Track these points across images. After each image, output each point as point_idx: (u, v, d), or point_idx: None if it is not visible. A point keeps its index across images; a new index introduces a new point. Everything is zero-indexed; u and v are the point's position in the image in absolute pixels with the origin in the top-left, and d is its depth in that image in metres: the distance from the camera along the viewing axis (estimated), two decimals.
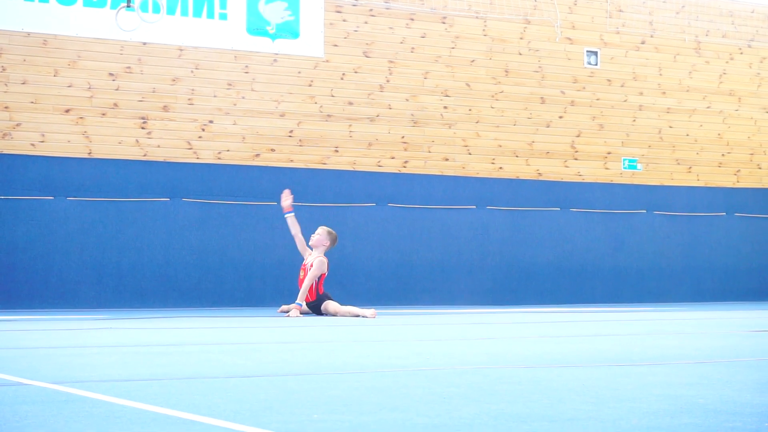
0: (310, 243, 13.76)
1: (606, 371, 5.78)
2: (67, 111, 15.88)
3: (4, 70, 15.58)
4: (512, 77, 18.70)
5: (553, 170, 18.94)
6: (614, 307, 17.36)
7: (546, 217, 18.73)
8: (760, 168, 20.62)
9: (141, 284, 15.97)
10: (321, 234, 13.73)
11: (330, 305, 13.33)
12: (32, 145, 15.65)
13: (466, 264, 18.04)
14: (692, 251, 19.82)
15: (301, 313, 13.21)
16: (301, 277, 13.52)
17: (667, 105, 19.90)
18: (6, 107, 15.55)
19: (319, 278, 13.43)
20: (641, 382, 5.21)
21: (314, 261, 13.44)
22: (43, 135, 15.71)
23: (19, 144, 15.59)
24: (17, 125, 15.59)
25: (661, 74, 19.88)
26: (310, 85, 17.31)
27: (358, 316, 12.98)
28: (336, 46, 17.51)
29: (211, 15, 16.74)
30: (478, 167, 18.37)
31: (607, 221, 19.18)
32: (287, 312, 13.67)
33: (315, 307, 13.46)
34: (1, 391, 4.72)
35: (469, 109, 18.35)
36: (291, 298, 14.29)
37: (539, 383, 5.09)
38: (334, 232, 13.88)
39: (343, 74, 17.54)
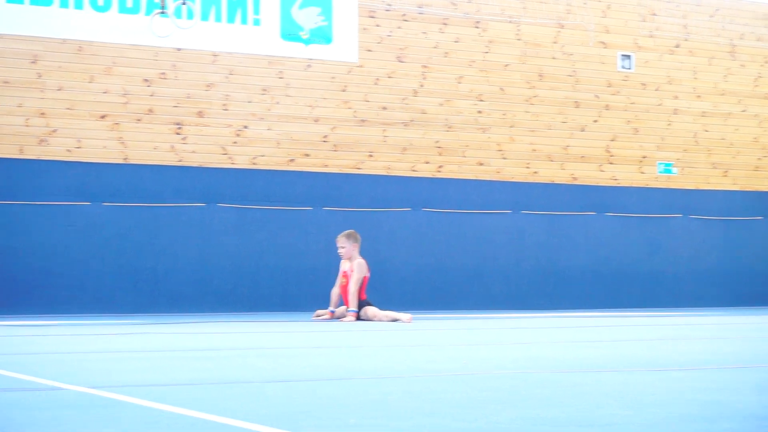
0: (342, 258, 13.64)
1: (643, 376, 5.76)
2: (103, 117, 15.97)
3: (40, 76, 15.68)
4: (546, 81, 18.66)
5: (588, 174, 18.88)
6: (650, 311, 17.27)
7: (581, 222, 18.67)
8: None
9: (177, 289, 16.03)
10: (344, 246, 13.53)
11: (369, 310, 13.31)
12: (68, 151, 15.75)
13: (501, 268, 18.01)
14: (729, 255, 19.70)
15: (357, 318, 13.22)
16: (344, 284, 13.47)
17: (703, 109, 19.80)
18: (42, 113, 15.65)
19: (362, 283, 13.38)
20: (678, 386, 5.19)
21: (354, 265, 13.39)
22: (79, 141, 15.80)
23: (56, 150, 15.69)
24: (53, 131, 15.69)
25: (696, 78, 19.79)
26: (344, 90, 17.33)
27: (395, 320, 12.97)
28: (370, 51, 17.53)
29: (244, 21, 16.79)
30: (513, 172, 18.34)
31: (643, 225, 19.09)
32: (321, 316, 13.69)
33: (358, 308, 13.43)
34: (39, 396, 4.75)
35: (504, 114, 18.32)
36: (327, 302, 14.29)
37: (576, 388, 5.07)
38: (349, 231, 13.73)
39: (377, 79, 17.56)
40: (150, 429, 3.75)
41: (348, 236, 13.58)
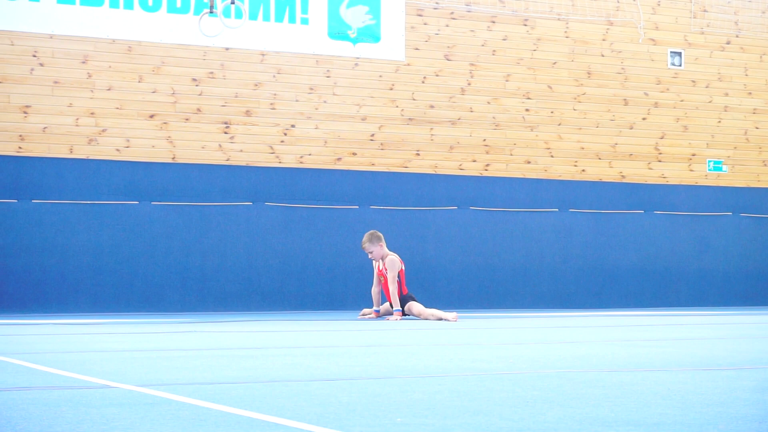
0: (374, 260, 13.58)
1: (692, 375, 5.72)
2: (152, 116, 16.07)
3: (89, 76, 15.81)
4: (595, 79, 18.58)
5: (637, 172, 18.77)
6: (700, 310, 17.15)
7: (630, 220, 18.57)
8: None
9: (224, 287, 16.10)
10: (372, 250, 13.33)
11: (414, 307, 13.28)
12: (117, 150, 15.86)
13: (548, 267, 17.95)
14: None
15: (402, 315, 13.21)
16: (383, 282, 13.48)
17: (754, 106, 19.63)
18: (92, 113, 15.78)
19: (400, 277, 13.36)
20: (728, 386, 5.14)
21: (386, 263, 13.34)
22: (128, 140, 15.92)
23: (105, 149, 15.81)
24: (103, 131, 15.81)
25: (747, 75, 19.62)
26: (391, 89, 17.34)
27: (440, 319, 12.95)
28: (417, 49, 17.53)
29: (292, 20, 16.83)
30: (561, 170, 18.27)
31: (692, 224, 18.96)
32: (367, 315, 13.70)
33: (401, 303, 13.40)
34: (89, 394, 4.78)
35: (551, 112, 18.26)
36: (372, 301, 14.29)
37: (624, 387, 5.05)
38: (369, 234, 13.51)
39: (425, 77, 17.55)
40: (197, 427, 3.77)
41: (370, 239, 13.45)
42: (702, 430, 3.71)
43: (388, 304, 13.51)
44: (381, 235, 13.54)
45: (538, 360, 6.81)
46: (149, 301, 15.75)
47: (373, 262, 13.58)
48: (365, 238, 13.48)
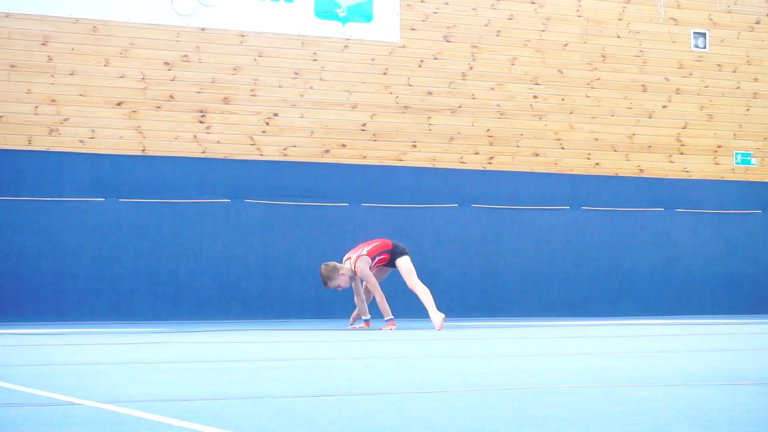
0: (347, 285, 13.55)
1: (717, 391, 5.73)
2: (119, 104, 16.07)
3: (50, 60, 15.80)
4: (610, 63, 18.61)
5: (657, 166, 18.81)
6: (727, 318, 17.19)
7: (649, 219, 18.60)
8: None
9: (200, 294, 16.11)
10: (338, 283, 13.09)
11: (406, 273, 13.11)
12: (81, 141, 15.86)
13: (559, 271, 17.97)
14: None
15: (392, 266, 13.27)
16: (364, 288, 13.43)
17: None
18: (53, 100, 15.77)
19: (381, 253, 13.22)
20: (757, 403, 5.16)
21: (357, 272, 13.16)
22: (92, 130, 15.92)
23: (67, 140, 15.80)
24: (65, 120, 15.81)
25: None
26: (384, 74, 17.35)
27: (428, 311, 12.88)
28: (413, 30, 17.54)
29: None
30: (572, 163, 18.30)
31: (718, 222, 19.00)
32: (358, 325, 13.70)
33: (390, 263, 13.31)
34: (49, 412, 4.78)
35: (562, 99, 18.29)
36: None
37: (642, 404, 5.06)
38: (324, 270, 13.25)
39: (422, 61, 17.56)
40: None
41: (329, 276, 13.14)
42: None
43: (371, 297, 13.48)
44: (333, 263, 13.30)
45: (548, 374, 6.82)
46: (117, 308, 15.75)
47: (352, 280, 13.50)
48: (324, 279, 13.12)
